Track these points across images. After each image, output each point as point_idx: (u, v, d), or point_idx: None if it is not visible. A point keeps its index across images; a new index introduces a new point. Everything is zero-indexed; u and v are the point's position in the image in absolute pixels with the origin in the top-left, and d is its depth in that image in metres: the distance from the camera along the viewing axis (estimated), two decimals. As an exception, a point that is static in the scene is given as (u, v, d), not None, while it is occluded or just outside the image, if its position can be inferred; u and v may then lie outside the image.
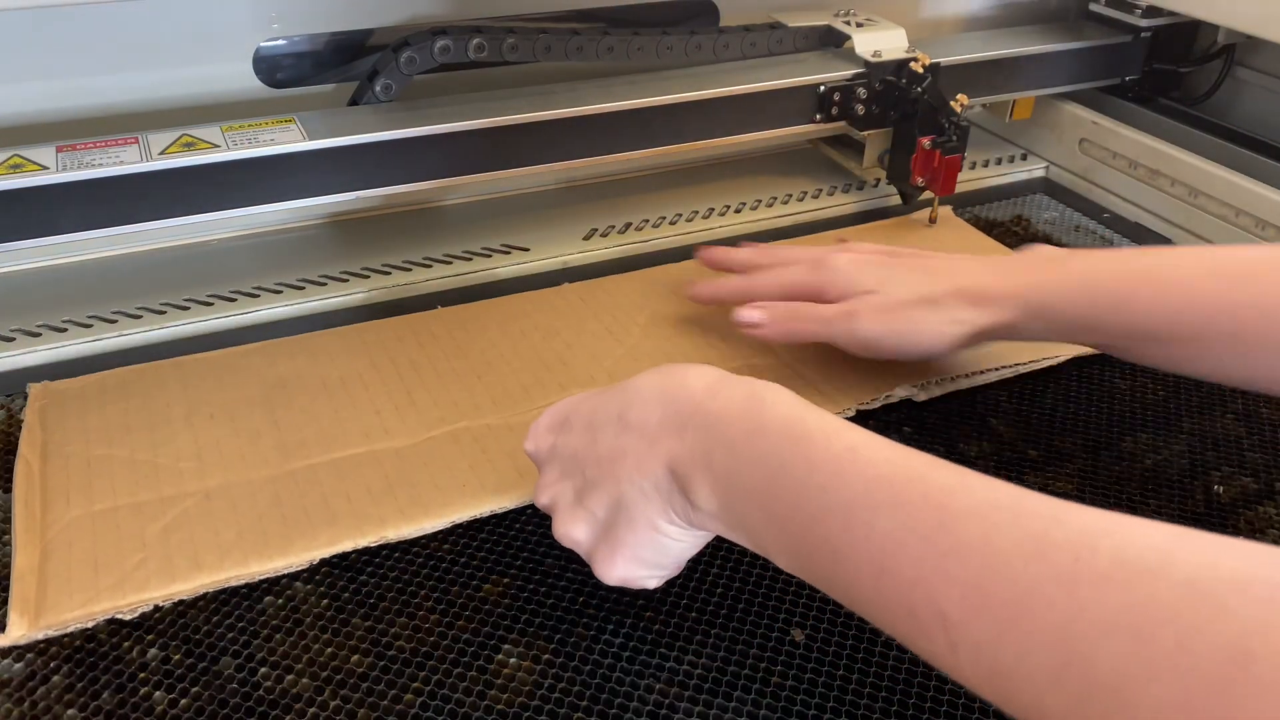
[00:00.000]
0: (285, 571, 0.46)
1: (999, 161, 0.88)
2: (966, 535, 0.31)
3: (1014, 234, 0.78)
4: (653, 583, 0.42)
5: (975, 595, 0.30)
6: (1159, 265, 0.50)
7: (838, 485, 0.35)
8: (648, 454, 0.40)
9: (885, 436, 0.52)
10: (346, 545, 0.47)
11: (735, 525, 0.38)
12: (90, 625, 0.43)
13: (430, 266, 0.70)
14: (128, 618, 0.44)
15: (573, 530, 0.42)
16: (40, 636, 0.43)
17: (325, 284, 0.68)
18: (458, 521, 0.49)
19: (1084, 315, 0.51)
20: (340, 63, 0.73)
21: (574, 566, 0.47)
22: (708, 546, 0.48)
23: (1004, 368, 0.60)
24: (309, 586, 0.46)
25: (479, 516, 0.49)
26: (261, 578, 0.46)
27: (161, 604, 0.44)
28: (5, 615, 0.44)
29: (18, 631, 0.42)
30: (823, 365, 0.60)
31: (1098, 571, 0.28)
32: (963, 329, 0.53)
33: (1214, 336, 0.47)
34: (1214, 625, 0.25)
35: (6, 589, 0.45)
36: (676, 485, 0.39)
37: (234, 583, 0.45)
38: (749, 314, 0.57)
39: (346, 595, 0.45)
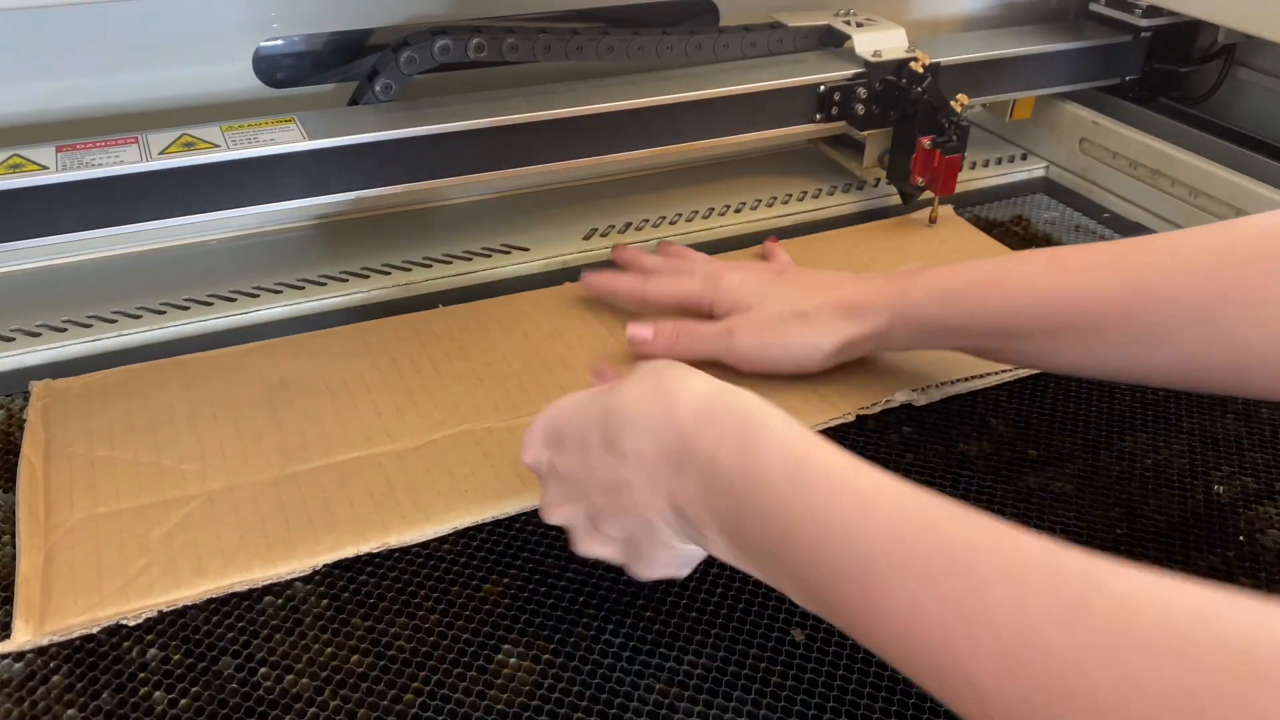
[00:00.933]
0: (288, 577, 0.46)
1: (999, 161, 0.88)
2: (997, 601, 0.29)
3: (1014, 234, 0.78)
4: (685, 571, 0.43)
5: (1009, 665, 0.28)
6: (1005, 267, 0.53)
7: (850, 544, 0.33)
8: (650, 492, 0.39)
9: (884, 436, 0.52)
10: (349, 551, 0.47)
11: (752, 567, 0.38)
12: (94, 631, 0.43)
13: (430, 266, 0.70)
14: (132, 624, 0.44)
15: (596, 549, 0.43)
16: (44, 642, 0.43)
17: (325, 284, 0.68)
18: (460, 527, 0.49)
19: (942, 320, 0.53)
20: (340, 63, 0.73)
21: (574, 566, 0.47)
22: (708, 546, 0.48)
23: (1003, 371, 0.60)
24: (309, 587, 0.46)
25: (481, 522, 0.49)
26: (265, 583, 0.46)
27: (165, 609, 0.44)
28: (5, 613, 0.44)
29: (23, 637, 0.42)
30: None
31: (1141, 640, 0.27)
32: (834, 339, 0.56)
33: (1061, 329, 0.49)
34: (1268, 703, 0.24)
35: (6, 588, 0.45)
36: (686, 524, 0.38)
37: (237, 588, 0.45)
38: (637, 331, 0.59)
39: (346, 595, 0.45)
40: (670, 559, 0.41)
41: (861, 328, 0.55)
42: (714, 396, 0.39)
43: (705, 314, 0.60)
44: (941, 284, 0.53)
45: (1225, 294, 0.44)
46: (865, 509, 0.33)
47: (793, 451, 0.36)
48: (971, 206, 0.81)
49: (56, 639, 0.43)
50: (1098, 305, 0.47)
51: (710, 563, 0.47)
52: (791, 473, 0.35)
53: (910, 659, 0.32)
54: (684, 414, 0.38)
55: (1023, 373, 0.60)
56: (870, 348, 0.57)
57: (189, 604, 0.45)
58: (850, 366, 0.58)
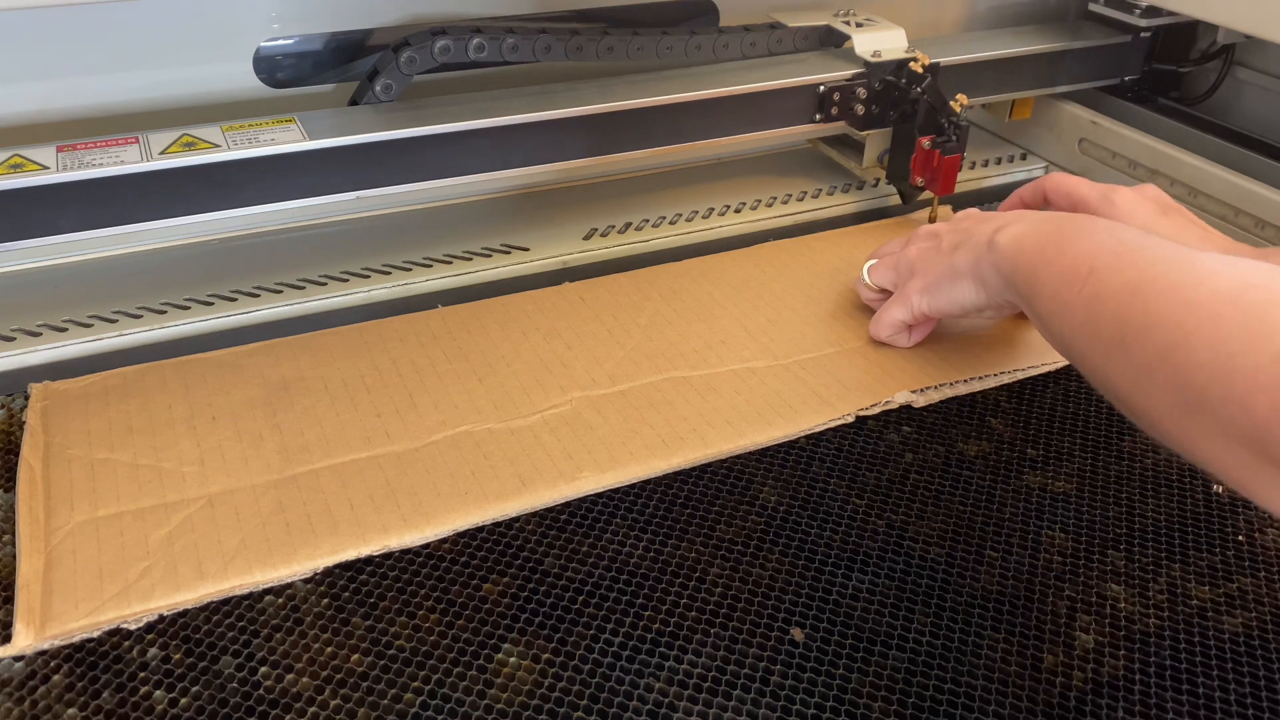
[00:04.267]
0: (289, 580, 0.46)
1: (998, 161, 0.88)
2: (1140, 253, 0.43)
3: (1014, 234, 0.78)
4: (906, 338, 0.60)
5: (1119, 273, 0.43)
6: None
7: (1098, 236, 0.47)
8: (996, 221, 0.54)
9: (884, 436, 0.52)
10: (350, 554, 0.47)
11: (1007, 256, 0.51)
12: (95, 635, 0.43)
13: (430, 266, 0.70)
14: (133, 628, 0.44)
15: (912, 251, 0.59)
16: (45, 646, 0.43)
17: (325, 284, 0.68)
18: (460, 529, 0.49)
19: None
20: (340, 63, 0.73)
21: (574, 565, 0.47)
22: (706, 547, 0.48)
23: (1002, 373, 0.60)
24: (309, 586, 0.46)
25: (482, 524, 0.49)
26: (265, 586, 0.46)
27: (165, 613, 0.44)
28: (6, 613, 0.44)
29: (24, 641, 0.42)
30: (821, 369, 0.60)
31: (1196, 277, 0.40)
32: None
33: None
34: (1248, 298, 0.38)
35: (6, 588, 0.45)
36: (995, 233, 0.52)
37: (237, 591, 0.45)
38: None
39: (347, 595, 0.45)
40: (941, 277, 0.56)
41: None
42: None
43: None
44: None
45: None
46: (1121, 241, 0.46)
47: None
48: (971, 206, 0.81)
49: (58, 643, 0.43)
50: None
51: (710, 563, 0.47)
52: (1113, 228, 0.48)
53: (1069, 265, 0.47)
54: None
55: (1022, 373, 0.60)
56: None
57: (189, 607, 0.45)
58: (850, 366, 0.58)
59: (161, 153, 0.58)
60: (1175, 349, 0.39)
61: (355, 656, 0.43)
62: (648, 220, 0.77)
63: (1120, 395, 0.43)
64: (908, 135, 0.73)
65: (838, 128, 0.78)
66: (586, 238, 0.74)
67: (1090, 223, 0.49)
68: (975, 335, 0.63)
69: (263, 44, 0.69)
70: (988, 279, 0.53)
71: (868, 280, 0.63)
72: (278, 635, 0.44)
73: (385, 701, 0.41)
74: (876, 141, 0.77)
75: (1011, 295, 0.52)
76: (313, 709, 0.40)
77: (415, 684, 0.42)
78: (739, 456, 0.54)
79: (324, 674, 0.42)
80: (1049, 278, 0.47)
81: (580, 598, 0.46)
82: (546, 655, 0.43)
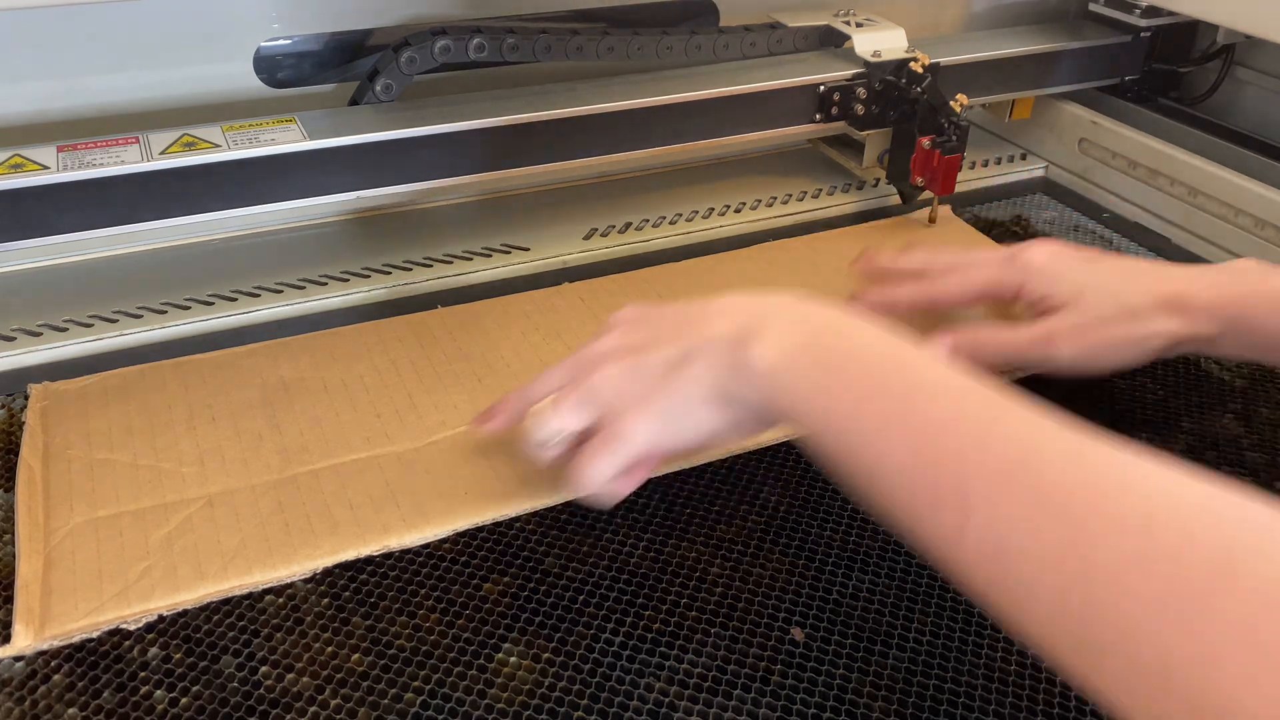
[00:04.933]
0: (288, 580, 0.46)
1: (998, 161, 0.88)
2: (1015, 432, 0.34)
3: (1013, 234, 0.78)
4: (622, 484, 0.44)
5: (1004, 480, 0.32)
6: None
7: (908, 373, 0.37)
8: (724, 323, 0.42)
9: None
10: (349, 554, 0.47)
11: (776, 390, 0.40)
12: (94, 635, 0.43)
13: (430, 266, 0.70)
14: (132, 628, 0.44)
15: (609, 367, 0.44)
16: (45, 647, 0.43)
17: (325, 284, 0.68)
18: (460, 530, 0.49)
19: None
20: (341, 63, 0.73)
21: (574, 565, 0.47)
22: (706, 546, 0.48)
23: (1001, 372, 0.60)
24: (309, 586, 0.46)
25: (481, 524, 0.49)
26: (265, 587, 0.46)
27: (165, 614, 0.44)
28: (6, 613, 0.44)
29: (23, 642, 0.42)
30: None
31: (1122, 482, 0.31)
32: (1160, 341, 0.51)
33: None
34: (1212, 534, 0.28)
35: (6, 588, 0.45)
36: (741, 342, 0.41)
37: (237, 592, 0.45)
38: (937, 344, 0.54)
39: (347, 594, 0.45)
40: (676, 402, 0.42)
41: (1192, 328, 0.51)
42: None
43: (1011, 300, 0.56)
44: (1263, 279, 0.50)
45: None
46: (929, 360, 0.38)
47: (888, 341, 0.40)
48: (971, 206, 0.81)
49: (57, 644, 0.43)
50: None
51: (710, 562, 0.47)
52: (881, 333, 0.40)
53: (911, 470, 0.35)
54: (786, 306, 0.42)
55: (1022, 373, 0.60)
56: (1195, 351, 0.52)
57: (189, 607, 0.45)
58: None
59: (162, 153, 0.58)
60: (1132, 638, 0.28)
61: (355, 656, 0.43)
62: (648, 220, 0.77)
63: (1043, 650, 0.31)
64: (908, 135, 0.74)
65: (838, 128, 0.78)
66: (586, 238, 0.74)
67: (882, 345, 0.39)
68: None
69: (263, 44, 0.69)
70: (745, 406, 0.41)
71: (545, 435, 0.46)
72: (278, 635, 0.44)
73: (385, 701, 0.41)
74: (876, 141, 0.77)
75: (789, 424, 0.41)
76: (313, 709, 0.40)
77: (415, 684, 0.42)
78: (739, 456, 0.54)
79: (324, 674, 0.42)
80: (875, 462, 0.36)
81: (580, 598, 0.46)
82: (546, 655, 0.43)
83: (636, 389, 0.43)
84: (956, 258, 0.59)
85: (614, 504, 0.46)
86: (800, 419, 0.39)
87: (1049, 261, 0.54)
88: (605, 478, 0.44)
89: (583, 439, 0.45)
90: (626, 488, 0.45)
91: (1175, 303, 0.51)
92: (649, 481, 0.51)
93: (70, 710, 0.40)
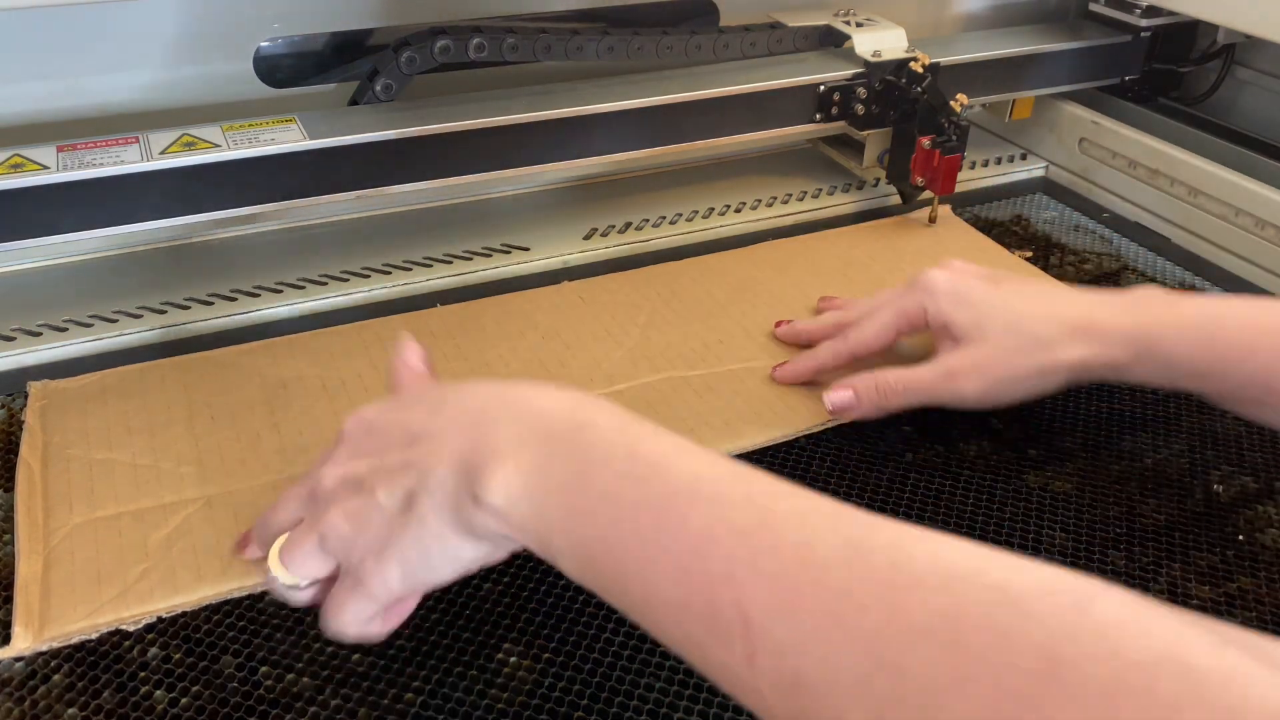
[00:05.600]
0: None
1: (998, 161, 0.88)
2: (785, 535, 0.30)
3: (1013, 234, 0.78)
4: (379, 626, 0.39)
5: (785, 596, 0.29)
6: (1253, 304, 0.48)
7: (660, 477, 0.33)
8: (451, 442, 0.37)
9: (884, 435, 0.52)
10: None
11: (522, 524, 0.35)
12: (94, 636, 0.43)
13: (430, 266, 0.70)
14: (131, 629, 0.43)
15: (336, 512, 0.39)
16: (44, 649, 0.43)
17: (325, 284, 0.68)
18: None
19: (1196, 360, 0.48)
20: (340, 63, 0.73)
21: (574, 566, 0.47)
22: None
23: None
24: (309, 586, 0.46)
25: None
26: (264, 588, 0.46)
27: (164, 615, 0.44)
28: (5, 613, 0.44)
29: (22, 644, 0.42)
30: (822, 365, 0.60)
31: (914, 576, 0.28)
32: (1069, 368, 0.51)
33: None
34: (1024, 628, 0.25)
35: (6, 589, 0.45)
36: (469, 472, 0.36)
37: (236, 594, 0.45)
38: (838, 397, 0.54)
39: (347, 595, 0.45)
40: (410, 545, 0.37)
41: (1100, 353, 0.50)
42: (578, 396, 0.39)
43: (922, 327, 0.55)
44: (1204, 318, 0.48)
45: None
46: (682, 452, 0.34)
47: (632, 416, 0.37)
48: (971, 206, 0.81)
49: (56, 645, 0.43)
50: None
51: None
52: (626, 425, 0.36)
53: (683, 598, 0.31)
54: (539, 395, 0.38)
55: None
56: (1104, 377, 0.51)
57: (188, 610, 0.45)
58: (849, 366, 0.58)
59: (162, 152, 0.58)
60: None
61: (355, 656, 0.43)
62: (648, 220, 0.77)
63: None
64: (908, 135, 0.73)
65: (838, 128, 0.78)
66: (586, 238, 0.74)
67: (621, 450, 0.35)
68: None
69: (263, 44, 0.69)
70: (492, 540, 0.37)
71: (287, 579, 0.40)
72: (278, 635, 0.44)
73: (385, 701, 0.41)
74: (876, 141, 0.77)
75: (545, 556, 0.36)
76: (313, 709, 0.40)
77: (415, 684, 0.42)
78: (739, 456, 0.53)
79: (324, 674, 0.42)
80: (645, 593, 0.33)
81: (580, 598, 0.46)
82: (546, 655, 0.43)
83: (370, 535, 0.38)
84: (868, 302, 0.58)
85: (380, 641, 0.41)
86: (554, 552, 0.35)
87: (949, 286, 0.53)
88: (360, 625, 0.39)
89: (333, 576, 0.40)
90: (388, 627, 0.40)
91: (1085, 328, 0.50)
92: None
93: (70, 710, 0.40)
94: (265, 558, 0.41)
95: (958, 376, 0.51)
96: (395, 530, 0.38)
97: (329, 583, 0.40)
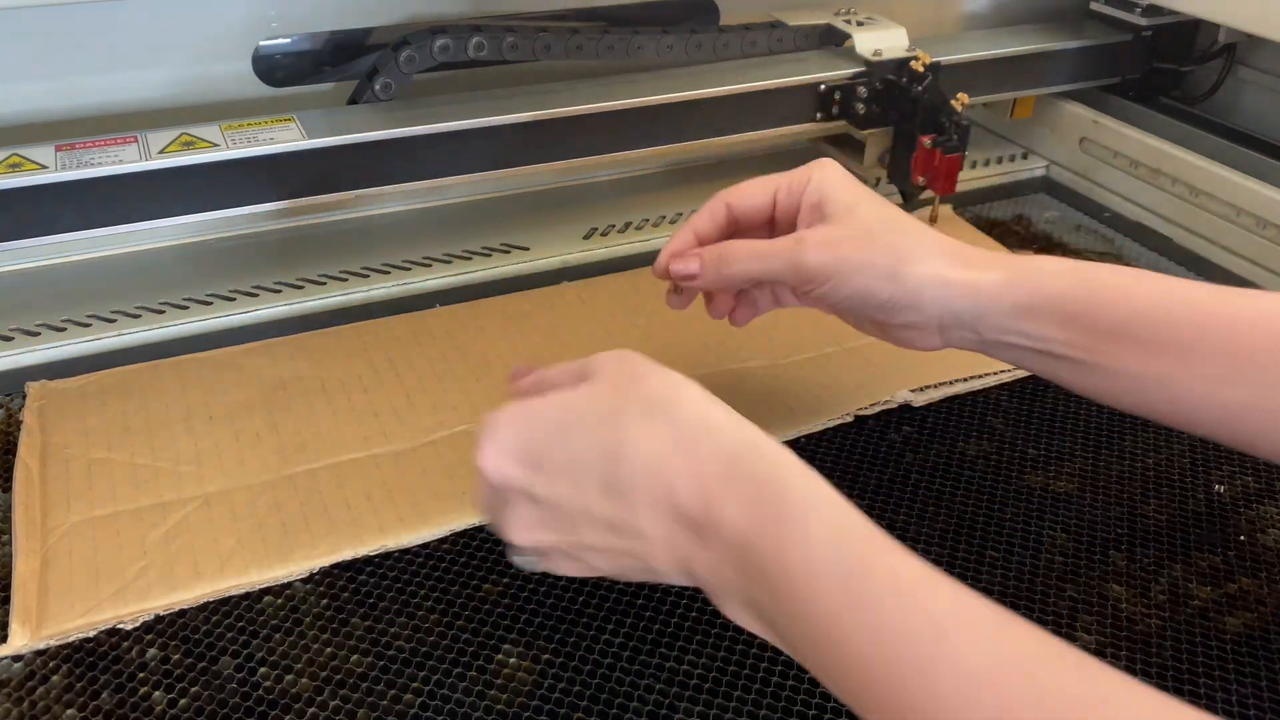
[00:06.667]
0: (285, 580, 0.46)
1: (999, 160, 0.88)
2: (1007, 682, 0.29)
3: (1015, 233, 0.78)
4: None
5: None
6: (1153, 275, 0.46)
7: (922, 677, 0.30)
8: (665, 549, 0.36)
9: (885, 436, 0.52)
10: (347, 554, 0.47)
11: (782, 645, 0.35)
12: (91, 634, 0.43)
13: (430, 266, 0.70)
14: (129, 628, 0.43)
15: (570, 570, 0.39)
16: (42, 647, 0.42)
17: (325, 284, 0.68)
18: (457, 530, 0.49)
19: (1067, 298, 0.44)
20: (340, 62, 0.73)
21: (574, 566, 0.47)
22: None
23: (1002, 372, 0.60)
24: (308, 587, 0.46)
25: (480, 524, 0.49)
26: (262, 587, 0.46)
27: (162, 614, 0.44)
28: (5, 613, 0.44)
29: (19, 641, 0.42)
30: (818, 367, 0.60)
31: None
32: (934, 279, 0.45)
33: (1205, 350, 0.42)
34: None
35: (4, 588, 0.45)
36: (705, 588, 0.36)
37: (234, 592, 0.45)
38: (682, 267, 0.49)
39: (346, 595, 0.45)
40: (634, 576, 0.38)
41: (963, 275, 0.45)
42: (739, 455, 0.35)
43: (799, 193, 0.49)
44: (1078, 264, 0.45)
45: None
46: (942, 639, 0.30)
47: (849, 552, 0.33)
48: (972, 206, 0.81)
49: (54, 643, 0.43)
50: (1256, 333, 0.41)
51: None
52: (848, 582, 0.32)
53: (876, 678, 0.31)
54: (709, 471, 0.35)
55: (1022, 373, 0.60)
56: (967, 311, 0.45)
57: (186, 607, 0.44)
58: (849, 366, 0.58)
59: (160, 152, 0.58)
60: None
61: (355, 657, 0.43)
62: (648, 220, 0.76)
63: None
64: (909, 134, 0.73)
65: (838, 127, 0.78)
66: (586, 237, 0.74)
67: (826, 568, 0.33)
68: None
69: (262, 43, 0.69)
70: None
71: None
72: (277, 636, 0.43)
73: (385, 702, 0.41)
74: (877, 141, 0.77)
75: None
76: (312, 710, 0.40)
77: (415, 684, 0.42)
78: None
79: (323, 674, 0.42)
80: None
81: (580, 598, 0.46)
82: (546, 655, 0.43)
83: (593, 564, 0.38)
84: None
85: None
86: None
87: (841, 170, 0.49)
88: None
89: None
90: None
91: (955, 251, 0.46)
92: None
93: (69, 711, 0.40)
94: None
95: (805, 244, 0.46)
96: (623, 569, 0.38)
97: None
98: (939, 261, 0.45)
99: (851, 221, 0.46)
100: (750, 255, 0.48)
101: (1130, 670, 0.43)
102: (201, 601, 0.45)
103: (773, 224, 0.50)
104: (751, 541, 0.33)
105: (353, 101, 0.68)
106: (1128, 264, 0.74)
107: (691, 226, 0.50)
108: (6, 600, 0.44)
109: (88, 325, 0.63)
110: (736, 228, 0.50)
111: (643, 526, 0.36)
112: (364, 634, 0.44)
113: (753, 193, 0.50)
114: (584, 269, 0.71)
